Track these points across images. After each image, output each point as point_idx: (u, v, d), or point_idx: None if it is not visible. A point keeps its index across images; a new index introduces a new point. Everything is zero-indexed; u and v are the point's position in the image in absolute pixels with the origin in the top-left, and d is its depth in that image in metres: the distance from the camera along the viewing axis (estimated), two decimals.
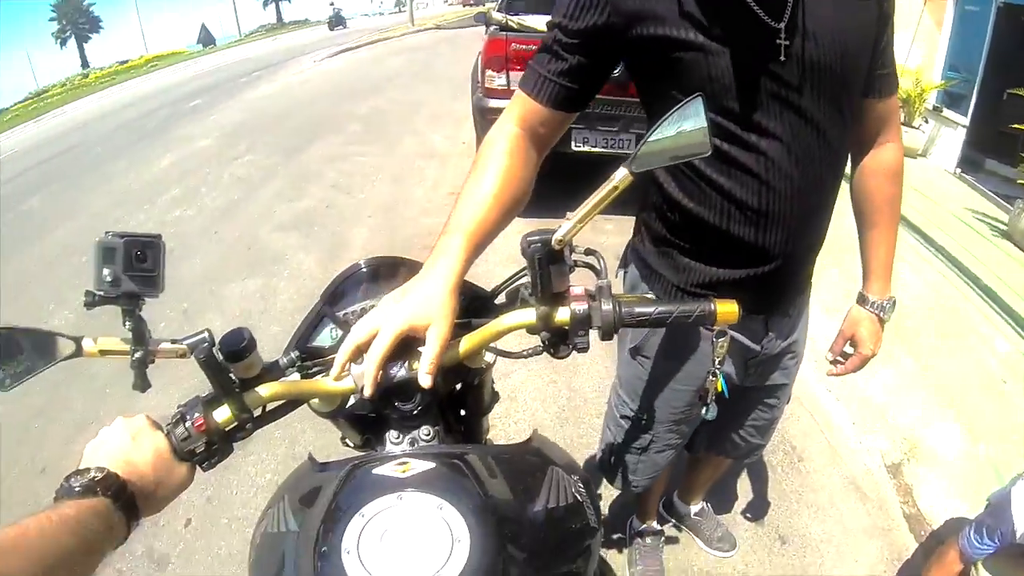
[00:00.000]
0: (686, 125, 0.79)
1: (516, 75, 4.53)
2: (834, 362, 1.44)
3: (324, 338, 0.94)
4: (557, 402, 2.90)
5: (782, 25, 0.97)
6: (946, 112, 7.92)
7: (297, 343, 0.93)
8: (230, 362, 0.79)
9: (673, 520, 2.27)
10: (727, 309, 0.86)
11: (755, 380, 1.40)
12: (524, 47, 4.46)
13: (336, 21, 34.21)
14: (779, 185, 1.06)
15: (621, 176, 0.78)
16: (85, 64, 50.79)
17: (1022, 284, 4.79)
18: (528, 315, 0.84)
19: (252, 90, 13.45)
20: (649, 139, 0.78)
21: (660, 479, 1.76)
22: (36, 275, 4.95)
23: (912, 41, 8.39)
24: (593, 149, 4.44)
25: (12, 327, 0.81)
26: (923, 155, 8.05)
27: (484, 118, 4.71)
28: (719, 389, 1.21)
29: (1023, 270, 5.09)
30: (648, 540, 2.09)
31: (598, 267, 0.87)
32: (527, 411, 2.85)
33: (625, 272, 1.36)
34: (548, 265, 0.81)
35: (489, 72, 4.65)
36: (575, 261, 0.86)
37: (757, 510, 2.38)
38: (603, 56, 1.05)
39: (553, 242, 0.79)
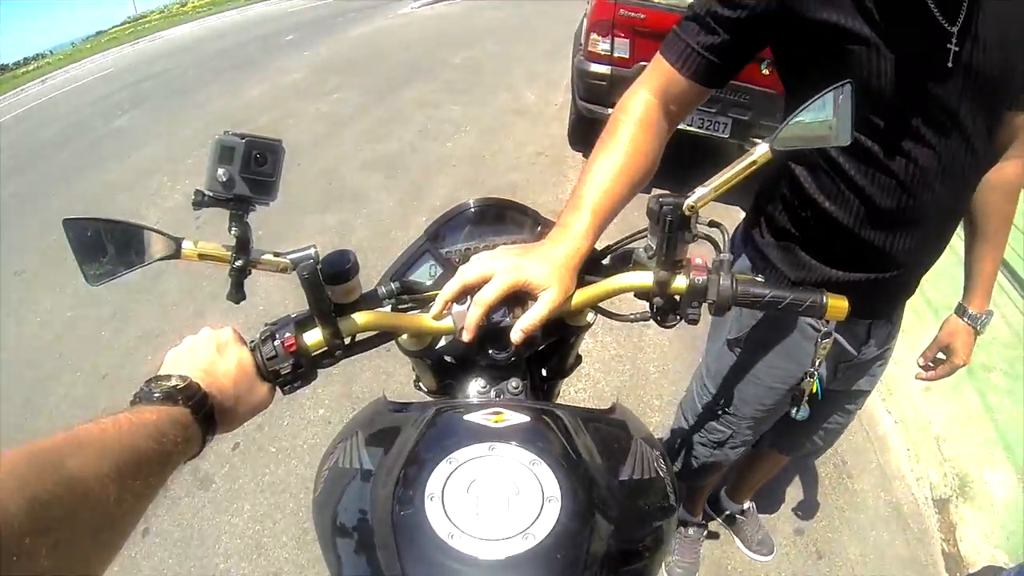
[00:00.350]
0: (832, 111, 0.75)
1: (621, 41, 4.42)
2: (925, 367, 1.45)
3: (423, 274, 0.92)
4: (620, 377, 2.87)
5: (955, 29, 0.91)
6: None
7: (394, 275, 0.89)
8: (331, 284, 0.76)
9: (716, 516, 2.26)
10: (837, 304, 0.84)
11: (842, 384, 1.39)
12: (633, 14, 4.27)
13: None
14: (921, 194, 1.02)
15: (761, 151, 0.75)
16: None
17: None
18: (645, 277, 0.82)
19: (348, 30, 13.38)
20: (793, 119, 0.75)
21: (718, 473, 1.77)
22: (123, 185, 5.08)
23: None
24: (688, 128, 4.24)
25: (111, 220, 0.74)
26: None
27: (584, 81, 4.59)
28: (814, 390, 1.24)
29: None
30: (691, 532, 2.10)
31: (721, 241, 0.83)
32: (589, 381, 2.83)
33: (734, 259, 1.24)
34: (676, 230, 0.79)
35: (594, 36, 4.47)
36: (699, 231, 0.83)
37: (800, 519, 2.37)
38: (760, 34, 1.00)
39: (684, 207, 0.77)
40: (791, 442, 1.68)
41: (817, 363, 1.17)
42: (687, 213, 0.78)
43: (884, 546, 2.34)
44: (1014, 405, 3.19)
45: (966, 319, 1.34)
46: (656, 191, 0.81)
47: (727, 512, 2.21)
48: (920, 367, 1.47)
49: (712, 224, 0.84)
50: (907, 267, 1.13)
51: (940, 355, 1.42)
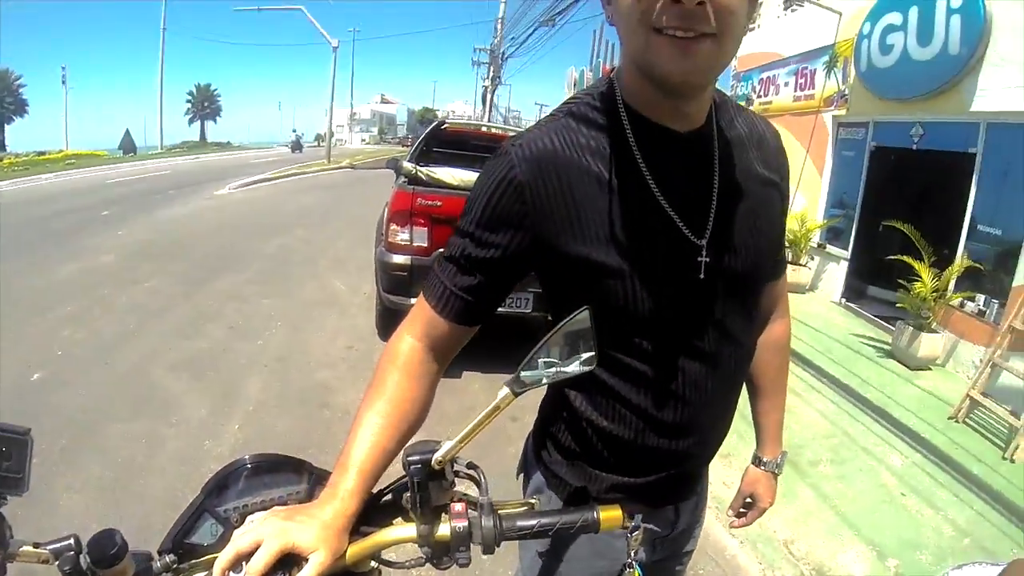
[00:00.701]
0: (571, 340, 0.82)
1: (419, 230, 4.64)
2: (737, 515, 1.54)
3: (204, 534, 0.88)
4: None
5: (704, 242, 0.98)
6: (830, 248, 9.08)
7: (174, 539, 0.86)
8: (99, 568, 0.75)
9: None
10: (610, 516, 0.91)
11: (665, 552, 1.35)
12: (430, 203, 4.57)
13: (295, 146, 41.99)
14: (695, 398, 1.05)
15: (503, 396, 0.80)
16: (2, 147, 50.05)
17: (908, 399, 5.48)
18: (408, 531, 0.86)
19: (164, 209, 13.67)
20: (533, 357, 0.81)
21: None
22: None
23: (797, 187, 9.41)
24: (519, 310, 4.52)
25: None
26: (811, 289, 9.18)
27: (387, 273, 4.76)
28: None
29: (908, 385, 5.86)
30: None
31: (480, 482, 0.89)
32: None
33: (528, 477, 1.29)
34: (428, 484, 0.83)
35: (394, 226, 4.69)
36: (457, 473, 0.88)
37: None
38: (516, 270, 1.02)
39: (433, 462, 0.81)
40: None
41: (632, 554, 1.13)
42: (436, 467, 0.81)
43: None
44: (847, 486, 3.85)
45: (763, 467, 1.44)
46: (408, 445, 0.88)
47: None
48: (733, 517, 1.55)
49: (470, 466, 0.89)
50: (697, 457, 1.15)
51: (748, 500, 1.50)
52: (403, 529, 0.87)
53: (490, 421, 0.82)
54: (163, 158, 36.33)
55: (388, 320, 5.20)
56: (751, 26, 13.63)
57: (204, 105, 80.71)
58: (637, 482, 1.11)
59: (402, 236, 4.68)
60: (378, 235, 5.37)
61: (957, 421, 5.19)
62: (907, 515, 3.78)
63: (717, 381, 1.06)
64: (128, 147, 50.47)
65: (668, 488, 1.15)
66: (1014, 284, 5.85)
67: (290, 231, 10.95)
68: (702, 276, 0.97)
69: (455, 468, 0.88)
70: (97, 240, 9.66)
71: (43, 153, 37.39)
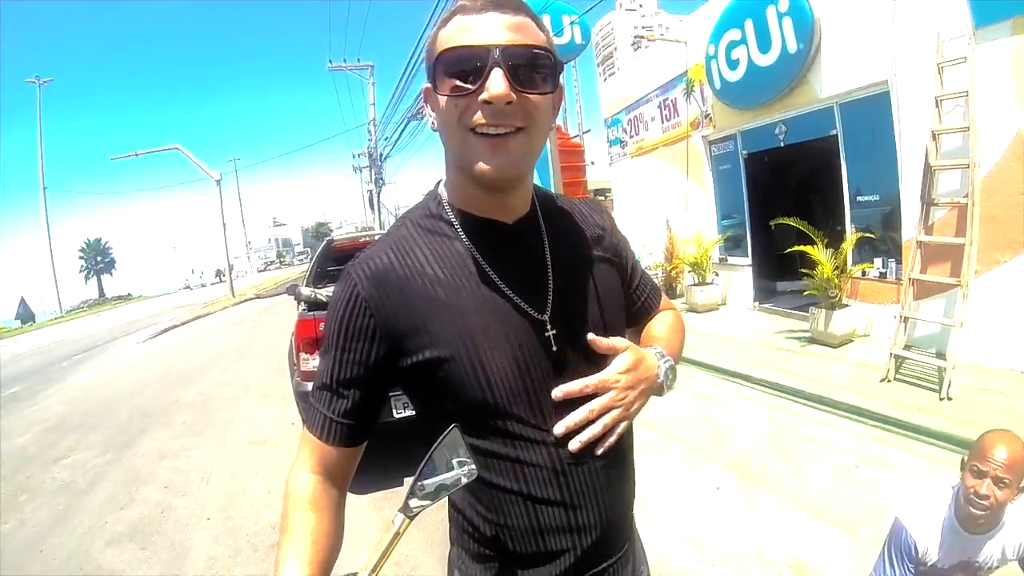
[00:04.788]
0: (448, 457, 0.87)
1: None
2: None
3: None
4: None
5: (547, 316, 1.02)
6: (731, 259, 9.41)
7: None
8: None
9: None
10: None
11: None
12: None
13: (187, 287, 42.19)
14: (577, 469, 1.06)
15: (400, 522, 0.85)
16: None
17: (839, 375, 5.62)
18: None
19: (76, 375, 13.10)
20: (417, 482, 0.86)
21: None
22: None
23: (686, 213, 9.95)
24: (415, 412, 4.43)
25: None
26: (723, 304, 9.42)
27: (304, 402, 4.62)
28: None
29: (836, 363, 6.00)
30: None
31: None
32: None
33: None
34: None
35: (303, 355, 4.65)
36: None
37: None
38: (382, 385, 1.06)
39: None
40: None
41: None
42: None
43: None
44: (803, 478, 3.92)
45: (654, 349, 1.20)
46: None
47: None
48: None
49: None
50: (605, 527, 1.12)
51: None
52: None
53: (394, 547, 0.86)
54: (65, 321, 35.04)
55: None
56: (611, 71, 14.44)
57: (97, 260, 77.71)
58: (557, 568, 1.10)
59: (313, 364, 4.62)
60: (291, 365, 5.31)
61: (889, 381, 5.45)
62: (866, 484, 3.90)
63: (595, 447, 1.07)
64: (25, 316, 47.92)
65: (587, 565, 1.13)
66: (903, 240, 6.30)
67: (207, 376, 10.60)
68: (555, 348, 1.03)
69: None
70: (8, 422, 9.15)
71: None
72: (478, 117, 0.91)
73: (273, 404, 7.80)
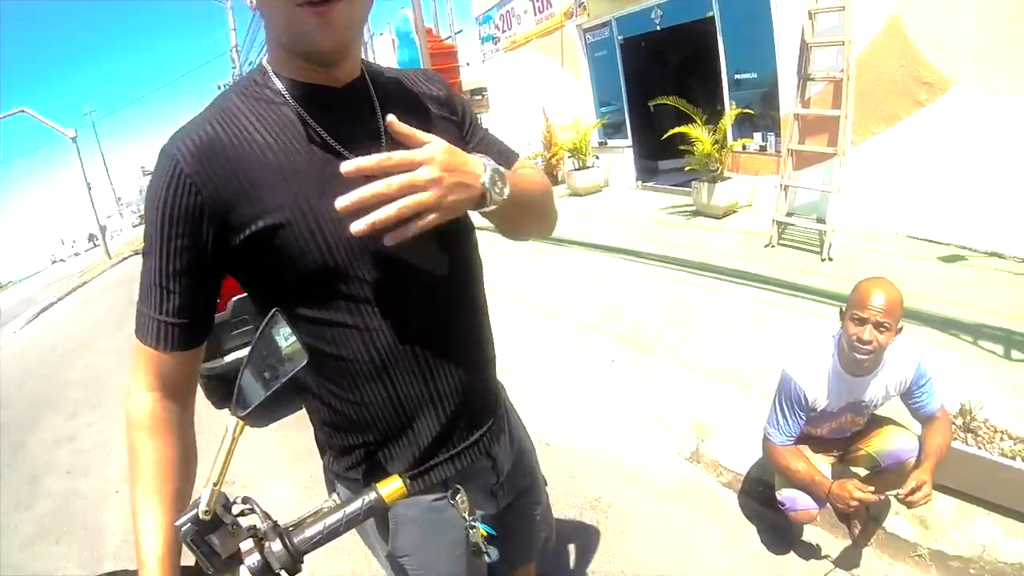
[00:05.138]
0: (273, 343, 0.83)
1: None
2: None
3: None
4: None
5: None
6: (611, 143, 9.51)
7: None
8: None
9: None
10: (393, 490, 0.92)
11: (510, 495, 1.36)
12: None
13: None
14: (428, 331, 1.05)
15: (233, 426, 0.82)
16: None
17: (724, 244, 5.86)
18: None
19: None
20: (243, 376, 0.82)
21: None
22: None
23: (564, 103, 9.92)
24: (251, 298, 4.28)
25: None
26: (606, 186, 9.56)
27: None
28: (484, 535, 1.24)
29: (721, 233, 6.27)
30: None
31: (258, 513, 0.88)
32: None
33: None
34: (210, 537, 0.83)
35: None
36: (243, 513, 0.88)
37: (595, 574, 2.57)
38: (216, 268, 0.97)
39: (200, 515, 0.81)
40: (520, 555, 1.59)
41: (467, 516, 1.14)
42: (206, 518, 0.81)
43: (678, 527, 2.76)
44: (695, 344, 4.10)
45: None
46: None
47: None
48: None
49: (245, 500, 0.88)
50: (466, 393, 1.12)
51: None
52: None
53: (232, 453, 0.83)
54: None
55: (212, 387, 5.15)
56: None
57: None
58: (430, 446, 1.11)
59: None
60: None
61: (772, 246, 5.72)
62: (756, 343, 4.09)
63: (445, 309, 1.07)
64: None
65: (461, 439, 1.15)
66: (781, 114, 6.47)
67: (92, 347, 9.95)
68: None
69: (234, 509, 0.87)
70: None
71: None
72: None
73: None
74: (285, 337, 0.85)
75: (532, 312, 4.95)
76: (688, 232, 6.51)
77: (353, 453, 1.12)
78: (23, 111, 25.56)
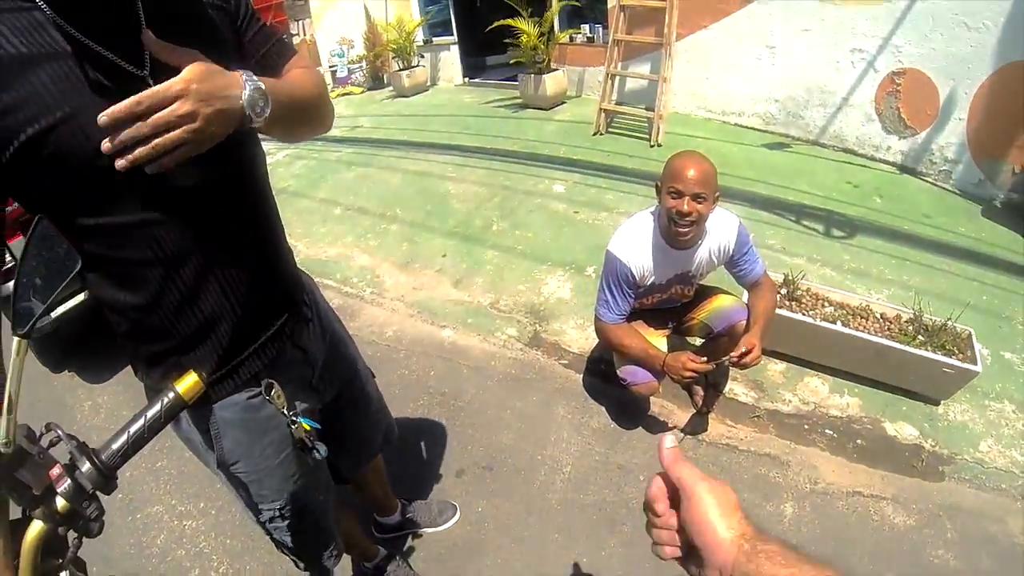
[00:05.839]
0: (48, 256, 0.80)
1: None
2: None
3: None
4: None
5: (147, 72, 0.93)
6: (436, 40, 9.05)
7: None
8: None
9: (394, 535, 2.24)
10: (189, 384, 0.89)
11: (333, 387, 1.40)
12: None
13: None
14: (208, 219, 1.02)
15: (16, 344, 0.79)
16: None
17: (552, 133, 5.75)
18: (36, 527, 0.80)
19: None
20: (19, 290, 0.78)
21: (341, 524, 1.70)
22: None
23: (386, 2, 9.33)
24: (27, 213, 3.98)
25: None
26: (433, 84, 9.16)
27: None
28: (307, 429, 1.23)
29: (549, 123, 6.14)
30: (391, 568, 2.05)
31: (62, 437, 0.83)
32: None
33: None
34: (17, 472, 0.78)
35: None
36: (52, 443, 0.83)
37: (454, 465, 2.54)
38: None
39: (0, 449, 0.77)
40: (363, 450, 1.68)
41: (287, 411, 1.15)
42: (6, 451, 0.77)
43: (538, 420, 2.71)
44: (524, 230, 4.10)
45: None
46: None
47: (396, 525, 2.21)
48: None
49: (48, 428, 0.83)
50: (261, 285, 1.12)
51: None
52: (35, 525, 0.79)
53: (20, 376, 0.78)
54: None
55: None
56: None
57: None
58: (222, 343, 1.11)
59: None
60: None
61: (601, 134, 5.54)
62: (586, 227, 3.97)
63: (229, 204, 1.06)
64: None
65: (262, 328, 1.16)
66: (609, 6, 6.18)
67: None
68: None
69: (43, 441, 0.81)
70: None
71: None
72: None
73: None
74: (58, 243, 0.83)
75: (362, 217, 4.62)
76: (516, 124, 6.24)
77: (162, 363, 1.12)
78: None
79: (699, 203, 1.97)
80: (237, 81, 0.92)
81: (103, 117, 0.80)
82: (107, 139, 0.82)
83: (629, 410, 2.64)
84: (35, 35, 0.88)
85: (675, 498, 0.67)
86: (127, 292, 1.03)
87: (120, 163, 0.83)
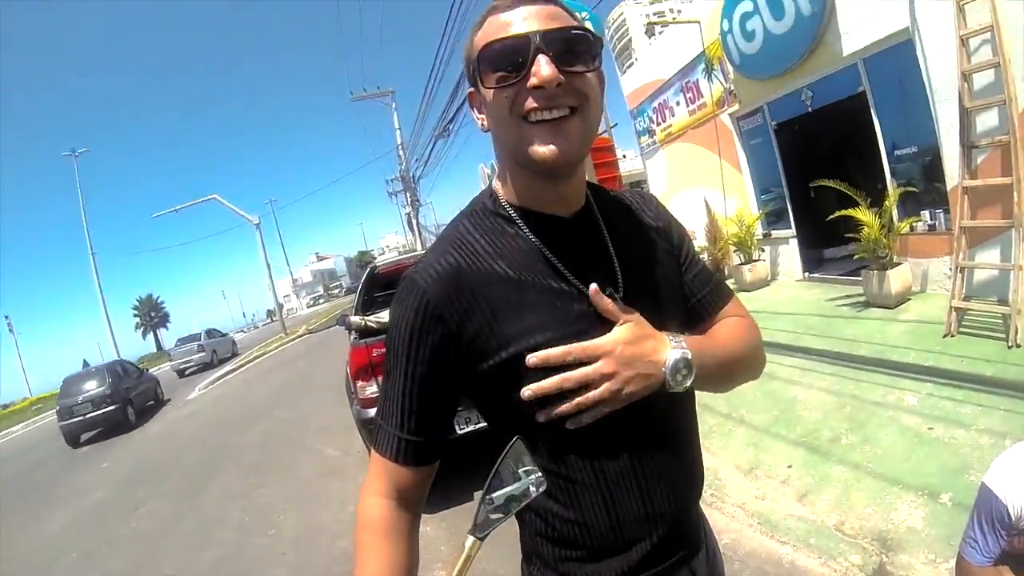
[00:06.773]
0: (514, 469, 0.85)
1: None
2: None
3: None
4: None
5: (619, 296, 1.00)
6: (775, 233, 9.09)
7: None
8: None
9: None
10: None
11: None
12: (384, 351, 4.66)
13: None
14: (651, 454, 1.04)
15: (470, 544, 0.84)
16: None
17: (899, 336, 5.36)
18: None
19: (142, 427, 13.67)
20: (486, 497, 0.84)
21: None
22: None
23: (724, 194, 9.64)
24: (478, 426, 4.39)
25: None
26: (773, 279, 9.12)
27: (366, 428, 4.87)
28: None
29: (895, 324, 5.77)
30: None
31: None
32: None
33: None
34: None
35: (360, 383, 4.81)
36: None
37: None
38: (454, 393, 1.02)
39: None
40: None
41: None
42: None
43: None
44: (874, 446, 3.84)
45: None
46: None
47: None
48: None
49: None
50: (677, 516, 1.09)
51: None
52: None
53: (467, 570, 0.85)
54: None
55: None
56: (628, 63, 14.39)
57: (151, 315, 79.26)
58: (629, 563, 1.06)
59: (371, 390, 4.76)
60: (349, 395, 5.46)
61: (952, 335, 5.17)
62: (941, 446, 3.68)
63: (660, 435, 1.05)
64: None
65: (663, 555, 1.09)
66: (948, 188, 5.94)
67: (269, 415, 10.85)
68: None
69: None
70: (84, 479, 9.55)
71: (8, 406, 36.97)
72: (530, 103, 0.90)
73: (335, 434, 7.88)
74: (527, 464, 0.88)
75: (706, 414, 4.75)
76: (860, 325, 6.06)
77: (561, 565, 1.09)
78: (214, 198, 29.49)
79: None
80: (663, 347, 0.96)
81: (532, 358, 0.90)
82: (528, 387, 0.90)
83: None
84: (522, 263, 0.99)
85: None
86: (556, 503, 1.04)
87: (540, 416, 0.92)
